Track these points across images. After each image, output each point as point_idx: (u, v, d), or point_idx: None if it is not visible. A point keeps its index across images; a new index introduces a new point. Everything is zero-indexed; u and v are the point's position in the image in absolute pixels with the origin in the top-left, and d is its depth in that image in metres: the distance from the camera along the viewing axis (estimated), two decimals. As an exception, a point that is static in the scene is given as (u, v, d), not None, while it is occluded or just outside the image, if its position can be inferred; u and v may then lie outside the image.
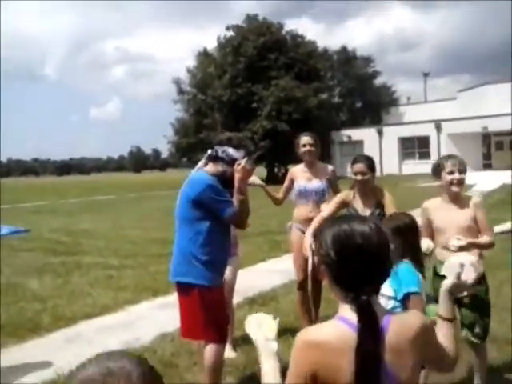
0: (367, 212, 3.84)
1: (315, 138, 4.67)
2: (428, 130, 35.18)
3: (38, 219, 15.26)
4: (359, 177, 3.82)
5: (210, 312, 3.11)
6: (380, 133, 37.77)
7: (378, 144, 37.35)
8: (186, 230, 3.18)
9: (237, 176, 3.09)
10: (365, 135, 38.20)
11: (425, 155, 36.15)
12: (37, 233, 12.08)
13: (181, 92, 41.34)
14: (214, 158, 3.21)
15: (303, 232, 4.33)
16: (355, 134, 39.11)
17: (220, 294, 3.25)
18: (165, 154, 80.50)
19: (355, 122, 43.38)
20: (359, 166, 3.82)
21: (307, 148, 4.57)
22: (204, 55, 40.63)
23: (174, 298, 4.60)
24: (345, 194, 4.04)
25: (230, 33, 38.77)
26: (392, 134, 37.25)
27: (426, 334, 1.40)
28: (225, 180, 3.16)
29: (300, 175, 4.68)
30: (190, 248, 3.15)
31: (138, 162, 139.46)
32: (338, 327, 1.33)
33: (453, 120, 33.72)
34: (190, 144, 38.16)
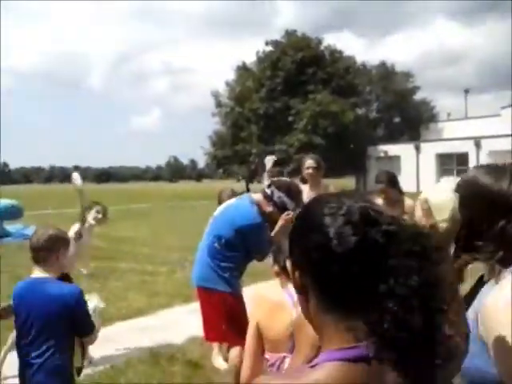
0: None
1: (318, 161, 4.94)
2: (467, 147, 34.54)
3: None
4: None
5: (232, 317, 3.35)
6: (417, 148, 37.31)
7: (416, 160, 36.91)
8: (215, 246, 3.44)
9: (280, 223, 3.36)
10: (402, 151, 37.81)
11: (463, 172, 35.38)
12: (77, 238, 12.56)
13: (219, 105, 42.02)
14: (269, 198, 3.43)
15: None
16: (392, 149, 38.75)
17: (241, 300, 3.48)
18: (201, 164, 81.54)
19: (393, 138, 42.97)
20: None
21: (310, 171, 4.87)
22: (243, 69, 41.22)
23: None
24: None
25: (269, 48, 39.30)
26: (430, 150, 36.73)
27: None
28: (268, 219, 3.41)
29: (304, 195, 4.92)
30: (214, 259, 3.42)
31: (175, 171, 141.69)
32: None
33: (493, 137, 33.03)
34: (226, 156, 38.69)
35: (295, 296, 1.40)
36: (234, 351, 3.35)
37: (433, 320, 0.77)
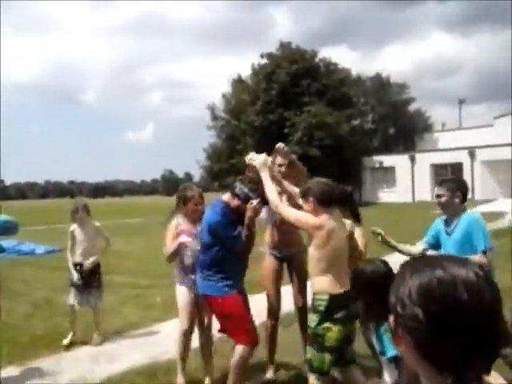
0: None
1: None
2: (461, 157, 34.72)
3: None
4: None
5: (232, 318, 3.52)
6: (412, 159, 37.46)
7: (411, 170, 37.04)
8: (200, 252, 3.73)
9: (248, 213, 3.51)
10: (397, 161, 37.97)
11: (458, 182, 35.57)
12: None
13: (215, 118, 42.13)
14: (234, 193, 3.62)
15: (278, 258, 4.36)
16: (387, 160, 38.91)
17: (237, 301, 3.58)
18: (197, 178, 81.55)
19: (388, 148, 43.17)
20: None
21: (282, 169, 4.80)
22: (238, 82, 41.42)
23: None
24: None
25: (264, 60, 39.51)
26: (424, 161, 36.88)
27: None
28: (238, 214, 3.57)
29: None
30: (200, 266, 3.69)
31: (171, 185, 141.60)
32: None
33: (487, 147, 33.20)
34: (222, 169, 38.69)
35: None
36: (238, 349, 3.48)
37: None
